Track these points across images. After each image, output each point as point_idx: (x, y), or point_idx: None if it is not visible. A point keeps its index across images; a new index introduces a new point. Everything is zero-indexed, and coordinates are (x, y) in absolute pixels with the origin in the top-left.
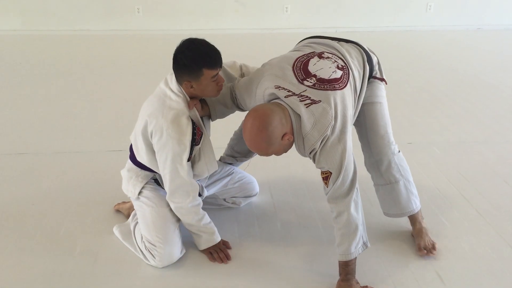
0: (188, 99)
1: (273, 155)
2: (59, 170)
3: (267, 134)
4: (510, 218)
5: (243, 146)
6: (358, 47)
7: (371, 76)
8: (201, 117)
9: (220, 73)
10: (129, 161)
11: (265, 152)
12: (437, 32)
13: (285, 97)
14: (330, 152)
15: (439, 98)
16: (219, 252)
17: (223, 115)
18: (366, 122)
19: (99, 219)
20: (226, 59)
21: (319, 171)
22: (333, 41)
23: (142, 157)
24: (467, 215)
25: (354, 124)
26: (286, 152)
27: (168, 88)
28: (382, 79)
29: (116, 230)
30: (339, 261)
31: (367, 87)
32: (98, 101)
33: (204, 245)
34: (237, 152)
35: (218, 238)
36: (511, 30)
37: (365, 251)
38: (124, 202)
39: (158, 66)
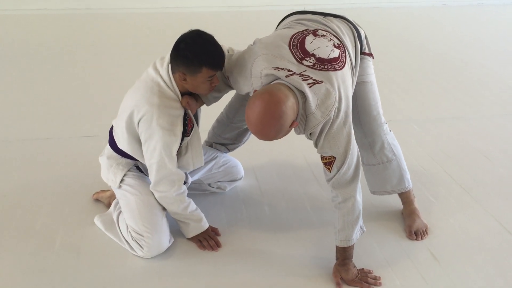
0: (178, 92)
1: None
2: (29, 158)
3: (280, 123)
4: (494, 193)
5: (232, 131)
6: (347, 22)
7: (361, 52)
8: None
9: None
10: (108, 147)
11: (269, 140)
12: (403, 9)
13: (286, 76)
14: (335, 137)
15: (412, 76)
16: (208, 240)
17: (216, 99)
18: (357, 103)
19: (78, 210)
20: None
21: (303, 152)
22: (321, 17)
23: (123, 146)
24: (452, 192)
25: None
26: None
27: (158, 75)
28: (370, 54)
29: (97, 221)
30: (337, 246)
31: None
32: (66, 84)
33: (192, 233)
34: (227, 139)
35: (206, 225)
36: (474, 6)
37: None
38: (103, 191)
39: (128, 47)
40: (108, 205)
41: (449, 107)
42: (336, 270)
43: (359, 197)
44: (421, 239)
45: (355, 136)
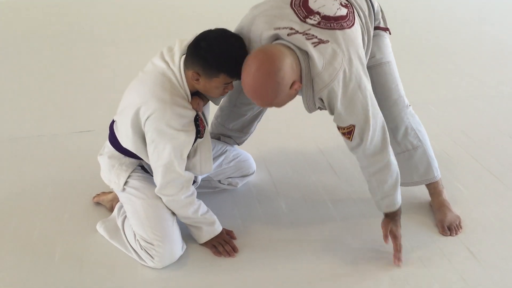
0: (188, 92)
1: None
2: (19, 159)
3: (276, 81)
4: None
5: (236, 118)
6: None
7: (375, 27)
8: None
9: None
10: (108, 145)
11: (269, 103)
12: None
13: (287, 35)
14: (351, 102)
15: (422, 55)
16: (224, 245)
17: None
18: (375, 88)
19: (78, 215)
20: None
21: (316, 140)
22: None
23: (127, 144)
24: (482, 179)
25: None
26: (286, 104)
27: (169, 69)
28: (386, 29)
29: (100, 228)
30: (385, 213)
31: (372, 42)
32: (56, 75)
33: (205, 238)
34: (232, 130)
35: (219, 228)
36: None
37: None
38: (104, 193)
39: (123, 34)
40: (111, 209)
41: (465, 85)
42: (386, 222)
43: (393, 159)
44: (456, 234)
45: None
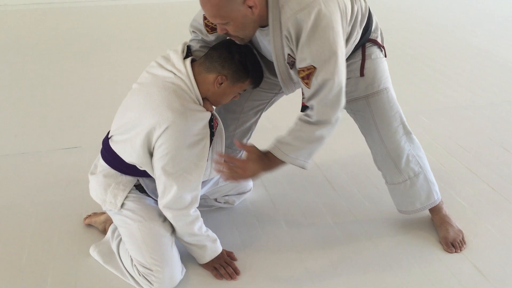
0: (199, 96)
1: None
2: (2, 178)
3: None
4: None
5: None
6: None
7: (368, 39)
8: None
9: None
10: (102, 163)
11: (217, 12)
12: None
13: None
14: (320, 37)
15: (409, 63)
16: (225, 267)
17: None
18: (374, 118)
19: (69, 239)
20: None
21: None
22: None
23: (131, 158)
24: (481, 192)
25: (358, 120)
26: (243, 36)
27: (177, 77)
28: (381, 45)
29: (93, 252)
30: (271, 152)
31: (366, 66)
32: (39, 89)
33: (208, 257)
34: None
35: (220, 247)
36: None
37: (389, 245)
38: (96, 214)
39: (108, 44)
40: (104, 231)
41: (454, 95)
42: (259, 155)
43: (331, 130)
44: (460, 250)
45: (375, 155)
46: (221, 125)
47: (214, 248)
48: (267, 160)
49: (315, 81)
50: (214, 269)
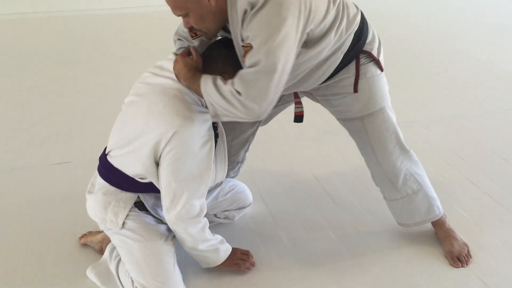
0: (203, 100)
1: None
2: None
3: None
4: None
5: None
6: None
7: (362, 50)
8: None
9: None
10: (100, 180)
11: (175, 2)
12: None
13: None
14: (264, 16)
15: (403, 73)
16: (246, 260)
17: None
18: (370, 140)
19: (64, 260)
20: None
21: (309, 166)
22: None
23: (135, 171)
24: (483, 203)
25: (354, 139)
26: (205, 29)
27: (174, 81)
28: (376, 59)
29: (91, 273)
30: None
31: (361, 86)
32: (29, 103)
33: (223, 256)
34: None
35: (228, 244)
36: None
37: (394, 260)
38: (91, 233)
39: (97, 55)
40: (100, 251)
41: (448, 105)
42: None
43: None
44: (466, 264)
45: (373, 174)
46: (222, 125)
47: (225, 247)
48: (192, 75)
49: (248, 61)
50: (236, 265)
